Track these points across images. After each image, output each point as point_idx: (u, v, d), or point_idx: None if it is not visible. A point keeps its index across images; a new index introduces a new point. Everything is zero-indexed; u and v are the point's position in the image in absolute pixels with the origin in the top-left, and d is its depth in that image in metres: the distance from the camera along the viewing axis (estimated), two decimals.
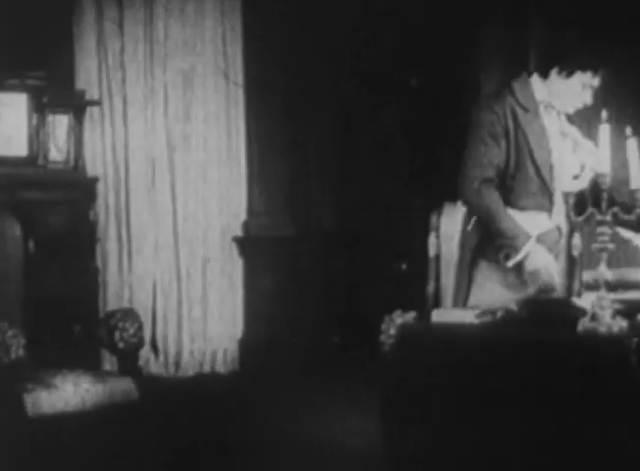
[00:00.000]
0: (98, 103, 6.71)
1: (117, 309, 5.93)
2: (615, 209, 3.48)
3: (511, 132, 4.24)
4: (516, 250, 4.13)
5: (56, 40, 6.57)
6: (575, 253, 3.84)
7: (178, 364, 7.09)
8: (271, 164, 7.35)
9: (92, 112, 6.67)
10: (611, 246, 3.51)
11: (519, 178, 4.24)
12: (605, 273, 3.51)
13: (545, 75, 4.27)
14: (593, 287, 3.59)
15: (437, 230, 4.32)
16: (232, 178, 7.28)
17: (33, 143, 5.81)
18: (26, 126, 5.82)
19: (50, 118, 5.94)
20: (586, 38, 4.25)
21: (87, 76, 6.85)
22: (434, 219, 4.33)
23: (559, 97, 4.27)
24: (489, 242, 4.22)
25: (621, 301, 3.53)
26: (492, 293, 4.17)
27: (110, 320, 5.22)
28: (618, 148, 3.55)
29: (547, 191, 4.23)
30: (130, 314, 5.31)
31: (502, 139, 4.24)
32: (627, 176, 3.52)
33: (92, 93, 6.72)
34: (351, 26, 7.16)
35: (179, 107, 7.10)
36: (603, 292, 3.48)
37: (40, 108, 5.84)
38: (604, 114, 3.50)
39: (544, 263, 4.14)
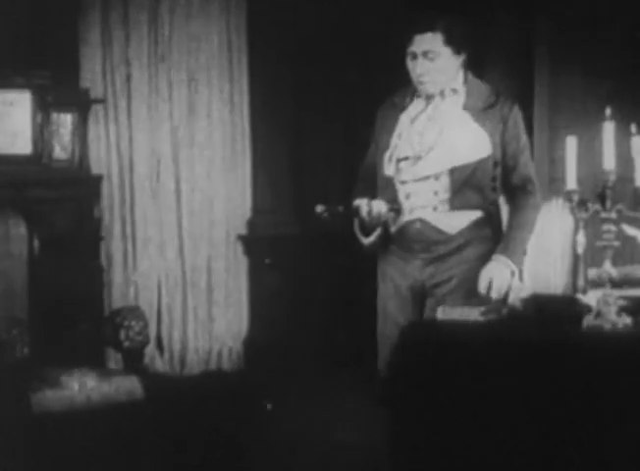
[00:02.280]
0: (103, 101, 6.71)
1: (122, 307, 5.94)
2: (620, 206, 3.48)
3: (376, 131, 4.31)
4: None
5: (61, 39, 6.57)
6: (580, 250, 3.84)
7: (183, 362, 7.09)
8: (276, 162, 7.35)
9: (97, 110, 6.67)
10: (615, 244, 3.51)
11: (375, 174, 4.25)
12: (610, 270, 3.51)
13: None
14: (598, 284, 3.59)
15: None
16: (237, 176, 7.28)
17: (38, 141, 5.81)
18: (30, 124, 5.83)
19: (55, 116, 5.94)
20: (591, 37, 4.25)
21: (92, 74, 6.84)
22: None
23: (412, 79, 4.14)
24: None
25: (626, 298, 3.53)
26: None
27: (115, 318, 5.23)
28: (623, 146, 3.54)
29: (387, 182, 4.16)
30: (135, 312, 5.32)
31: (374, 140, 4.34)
32: (632, 173, 3.52)
33: (97, 92, 6.72)
34: (358, 24, 7.15)
35: (183, 105, 7.10)
36: (608, 290, 3.48)
37: (45, 106, 5.84)
38: (608, 111, 3.49)
39: None
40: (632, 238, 4.02)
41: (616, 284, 3.52)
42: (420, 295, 4.13)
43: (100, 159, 6.77)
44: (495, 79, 6.07)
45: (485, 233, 4.09)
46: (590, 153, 3.74)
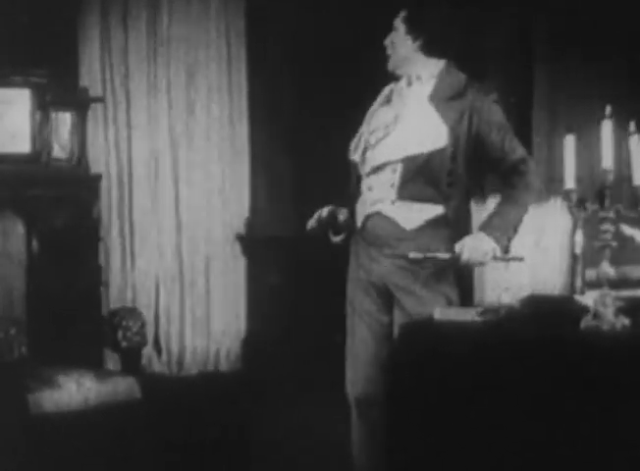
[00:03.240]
0: (102, 100, 6.71)
1: (120, 307, 5.95)
2: (618, 206, 3.46)
3: None
4: None
5: (60, 37, 6.56)
6: (578, 250, 3.83)
7: (181, 363, 7.08)
8: (275, 161, 7.35)
9: (96, 109, 6.66)
10: (613, 243, 3.50)
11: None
12: (607, 270, 3.49)
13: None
14: (595, 284, 3.58)
15: None
16: (235, 175, 7.28)
17: (37, 140, 5.79)
18: (29, 123, 5.81)
19: (53, 115, 5.92)
20: (590, 37, 4.23)
21: (91, 73, 6.85)
22: None
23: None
24: None
25: (624, 299, 3.52)
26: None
27: (113, 318, 5.24)
28: (621, 145, 3.53)
29: (353, 173, 4.18)
30: (133, 312, 5.33)
31: None
32: (630, 173, 3.50)
33: (96, 90, 6.72)
34: (356, 24, 7.14)
35: (182, 104, 7.10)
36: (605, 290, 3.47)
37: (44, 105, 5.82)
38: (606, 110, 3.48)
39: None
40: (631, 238, 4.00)
41: (614, 284, 3.50)
42: (384, 291, 4.09)
43: (99, 158, 6.77)
44: (494, 79, 6.08)
45: (443, 233, 4.01)
46: (588, 152, 3.72)
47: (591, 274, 3.76)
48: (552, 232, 4.06)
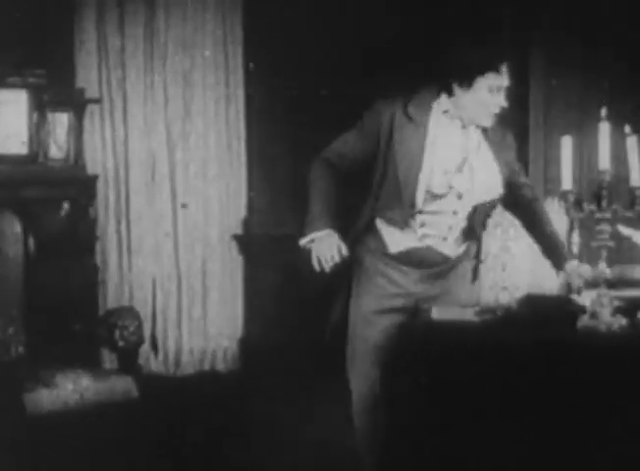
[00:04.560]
0: (98, 101, 6.69)
1: (117, 307, 5.94)
2: (615, 206, 3.48)
3: (385, 139, 4.08)
4: (305, 234, 4.07)
5: (56, 38, 6.56)
6: (575, 251, 3.84)
7: (178, 362, 7.08)
8: (272, 161, 7.34)
9: (92, 110, 6.66)
10: (610, 244, 3.51)
11: (385, 189, 4.12)
12: (604, 270, 3.51)
13: (449, 91, 4.02)
14: (593, 284, 3.59)
15: None
16: (232, 175, 7.27)
17: (33, 141, 5.79)
18: (26, 124, 5.81)
19: (50, 116, 5.92)
20: (588, 39, 4.24)
21: (87, 74, 6.83)
22: None
23: (465, 110, 4.02)
24: None
25: (621, 299, 3.53)
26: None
27: (110, 318, 5.23)
28: (618, 146, 3.54)
29: (407, 208, 4.08)
30: (129, 312, 5.33)
31: (369, 139, 4.13)
32: (627, 173, 3.52)
33: (92, 91, 6.70)
34: (356, 24, 7.14)
35: (179, 105, 7.09)
36: (602, 290, 3.48)
37: (40, 106, 5.82)
38: (603, 112, 3.49)
39: (323, 253, 4.03)
40: (627, 238, 4.02)
41: (611, 284, 3.52)
42: (411, 309, 4.14)
43: (96, 159, 6.76)
44: None
45: (472, 250, 4.21)
46: (585, 153, 3.74)
47: (588, 274, 3.78)
48: None
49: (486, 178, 4.05)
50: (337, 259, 4.01)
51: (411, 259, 4.15)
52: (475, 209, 4.08)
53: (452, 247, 4.14)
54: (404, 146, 4.06)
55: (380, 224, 4.16)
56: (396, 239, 4.15)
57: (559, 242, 4.05)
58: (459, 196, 4.04)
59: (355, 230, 4.20)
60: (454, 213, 4.08)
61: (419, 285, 4.17)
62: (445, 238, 4.11)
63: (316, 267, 4.06)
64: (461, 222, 4.10)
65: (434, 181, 4.03)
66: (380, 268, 4.19)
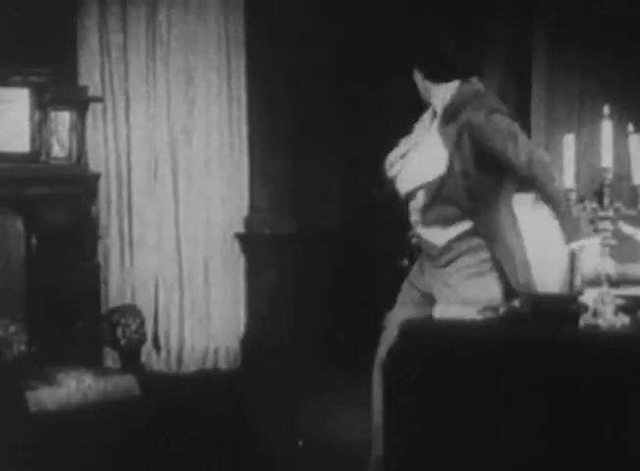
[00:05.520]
0: (101, 99, 6.70)
1: (119, 305, 5.95)
2: (618, 204, 3.48)
3: None
4: None
5: (59, 37, 6.57)
6: (577, 249, 3.83)
7: (180, 361, 7.09)
8: (274, 160, 7.35)
9: (95, 108, 6.66)
10: (613, 242, 3.51)
11: None
12: (607, 269, 3.50)
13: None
14: (595, 282, 3.59)
15: None
16: (234, 174, 7.28)
17: (36, 139, 5.79)
18: (28, 122, 5.81)
19: (53, 114, 5.92)
20: (589, 37, 4.23)
21: (90, 72, 6.85)
22: None
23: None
24: None
25: (624, 297, 3.53)
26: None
27: (112, 316, 5.24)
28: (620, 144, 3.54)
29: None
30: (132, 310, 5.33)
31: None
32: (629, 171, 3.52)
33: (95, 90, 6.71)
34: (357, 24, 7.15)
35: (181, 103, 7.10)
36: (605, 288, 3.48)
37: (43, 104, 5.82)
38: (605, 110, 3.49)
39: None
40: (629, 237, 4.01)
41: (614, 282, 3.52)
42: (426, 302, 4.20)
43: (98, 157, 6.78)
44: (492, 80, 6.09)
45: (475, 242, 4.15)
46: (588, 151, 3.74)
47: (591, 272, 3.77)
48: (551, 230, 4.05)
49: (422, 158, 4.15)
50: None
51: (419, 248, 4.29)
52: (431, 188, 4.11)
53: (435, 234, 4.17)
54: None
55: None
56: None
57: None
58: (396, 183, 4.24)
59: None
60: (417, 196, 4.19)
61: (419, 276, 4.28)
62: (421, 225, 4.21)
63: None
64: (426, 204, 4.15)
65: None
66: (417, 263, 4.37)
